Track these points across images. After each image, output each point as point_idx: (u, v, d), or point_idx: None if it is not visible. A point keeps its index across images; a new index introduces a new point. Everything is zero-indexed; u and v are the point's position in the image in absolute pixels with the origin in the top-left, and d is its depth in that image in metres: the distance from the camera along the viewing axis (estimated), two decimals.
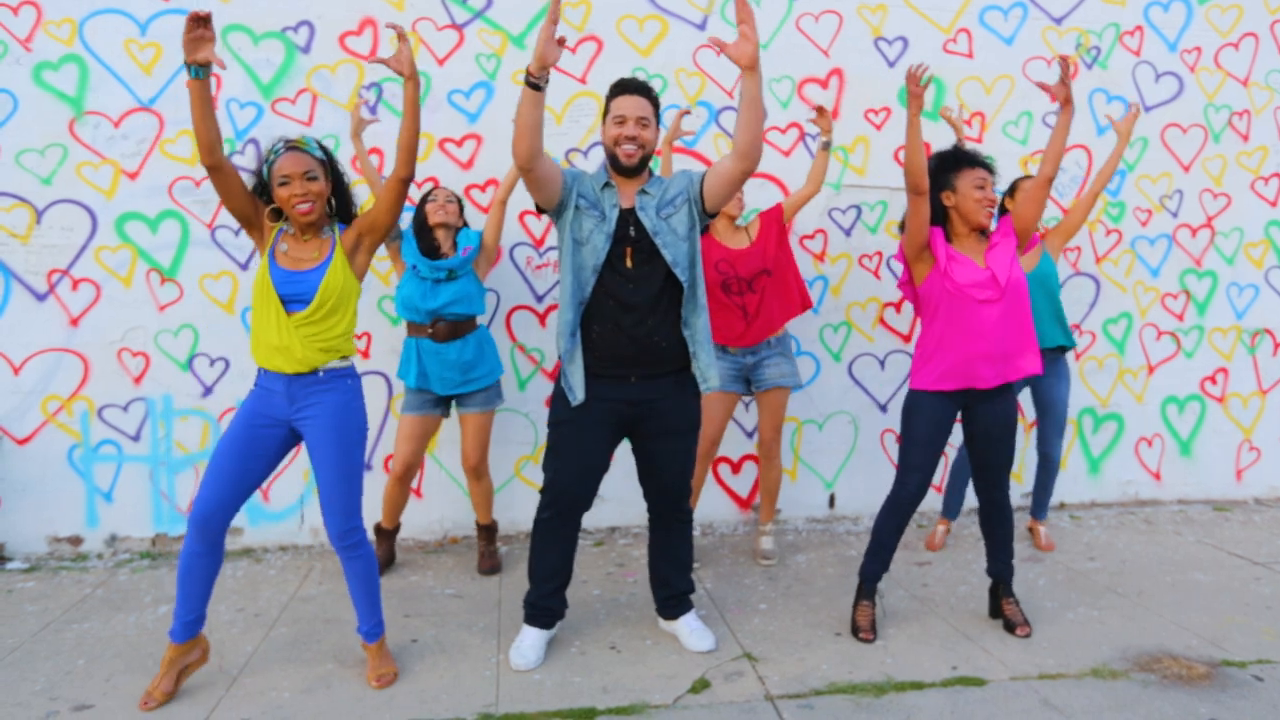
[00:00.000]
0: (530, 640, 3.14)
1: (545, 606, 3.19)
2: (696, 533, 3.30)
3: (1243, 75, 5.08)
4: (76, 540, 4.29)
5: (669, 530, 3.28)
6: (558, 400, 3.10)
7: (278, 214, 2.83)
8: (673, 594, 3.31)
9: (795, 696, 2.87)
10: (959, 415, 3.31)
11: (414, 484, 4.45)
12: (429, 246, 3.88)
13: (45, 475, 4.24)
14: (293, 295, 2.77)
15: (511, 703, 2.83)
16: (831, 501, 4.89)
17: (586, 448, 3.06)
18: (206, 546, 2.83)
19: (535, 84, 2.73)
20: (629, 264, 2.97)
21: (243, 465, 2.82)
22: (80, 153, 4.18)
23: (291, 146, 2.78)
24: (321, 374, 2.82)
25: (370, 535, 4.07)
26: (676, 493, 3.21)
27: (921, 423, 3.22)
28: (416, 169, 4.53)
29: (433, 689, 2.93)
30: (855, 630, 3.31)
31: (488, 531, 4.17)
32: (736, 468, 4.79)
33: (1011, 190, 4.17)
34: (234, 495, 2.82)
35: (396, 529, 4.11)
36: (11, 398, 4.19)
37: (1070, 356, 4.26)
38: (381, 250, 3.80)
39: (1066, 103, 3.20)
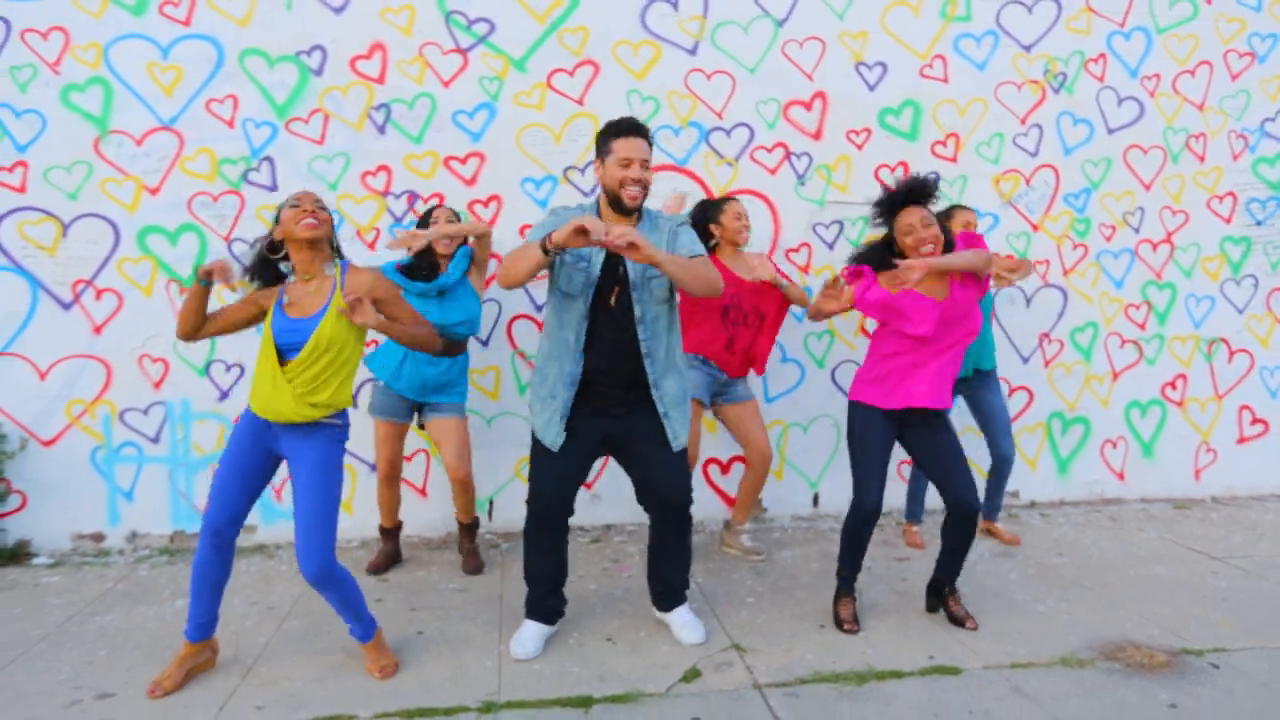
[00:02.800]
0: (530, 632, 3.13)
1: (546, 606, 3.17)
2: None
3: (1198, 100, 5.11)
4: (99, 537, 4.26)
5: (670, 534, 3.20)
6: None
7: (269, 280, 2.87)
8: (668, 589, 3.29)
9: (781, 685, 2.87)
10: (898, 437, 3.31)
11: (420, 484, 4.46)
12: (429, 266, 3.75)
13: (69, 475, 4.21)
14: (290, 344, 2.74)
15: (512, 691, 2.82)
16: (815, 500, 4.89)
17: (567, 462, 3.02)
18: (219, 553, 2.84)
19: (547, 250, 2.70)
20: (613, 302, 2.93)
21: (244, 480, 2.83)
22: (105, 169, 4.16)
23: (307, 192, 2.85)
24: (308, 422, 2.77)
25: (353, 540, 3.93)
26: (677, 500, 3.11)
27: (856, 427, 3.27)
28: (423, 188, 4.51)
29: (438, 678, 2.92)
30: (839, 622, 3.31)
31: (469, 530, 4.05)
32: (725, 468, 4.78)
33: (946, 215, 4.02)
34: (241, 506, 2.84)
35: (398, 527, 4.07)
36: (37, 402, 4.17)
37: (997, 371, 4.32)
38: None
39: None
